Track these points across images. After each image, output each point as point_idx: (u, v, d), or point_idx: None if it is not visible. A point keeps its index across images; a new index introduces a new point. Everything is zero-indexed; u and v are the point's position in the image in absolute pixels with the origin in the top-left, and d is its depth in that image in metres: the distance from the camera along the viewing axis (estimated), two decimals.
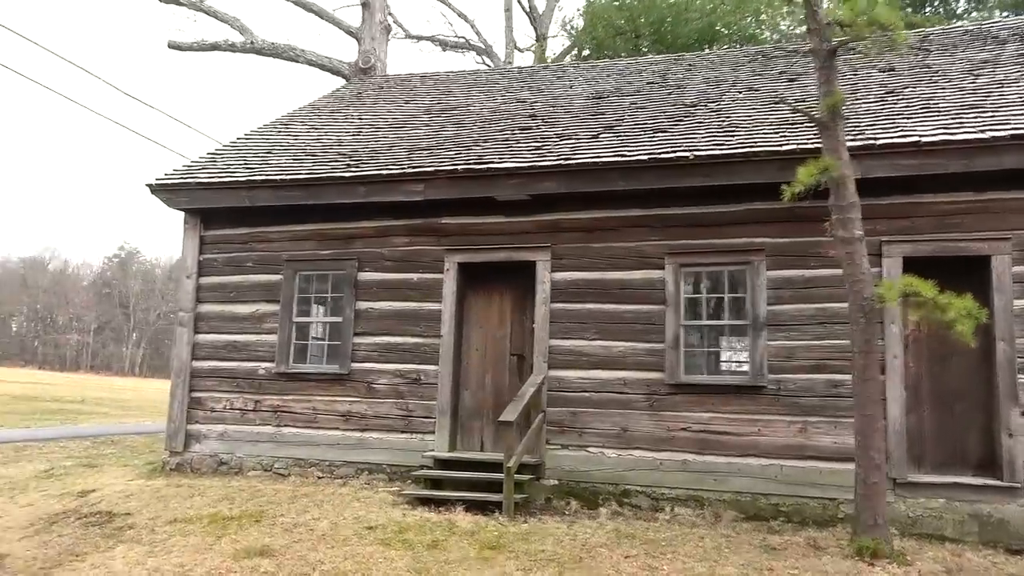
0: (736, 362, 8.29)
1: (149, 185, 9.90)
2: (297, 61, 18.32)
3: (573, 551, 6.38)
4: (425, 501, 7.76)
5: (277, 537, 6.79)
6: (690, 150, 8.02)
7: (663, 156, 8.01)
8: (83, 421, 19.26)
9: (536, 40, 23.66)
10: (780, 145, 7.74)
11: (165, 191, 9.86)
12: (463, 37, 24.62)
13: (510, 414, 7.46)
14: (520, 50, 24.67)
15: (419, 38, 24.07)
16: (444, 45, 24.48)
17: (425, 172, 8.82)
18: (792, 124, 8.19)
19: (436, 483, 8.14)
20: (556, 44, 24.23)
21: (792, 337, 7.69)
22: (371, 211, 9.22)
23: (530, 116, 10.48)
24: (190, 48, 17.96)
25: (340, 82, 17.75)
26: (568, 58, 21.73)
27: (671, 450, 7.88)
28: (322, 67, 18.46)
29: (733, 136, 8.29)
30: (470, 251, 8.93)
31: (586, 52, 20.81)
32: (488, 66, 22.71)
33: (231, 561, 6.24)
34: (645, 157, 8.07)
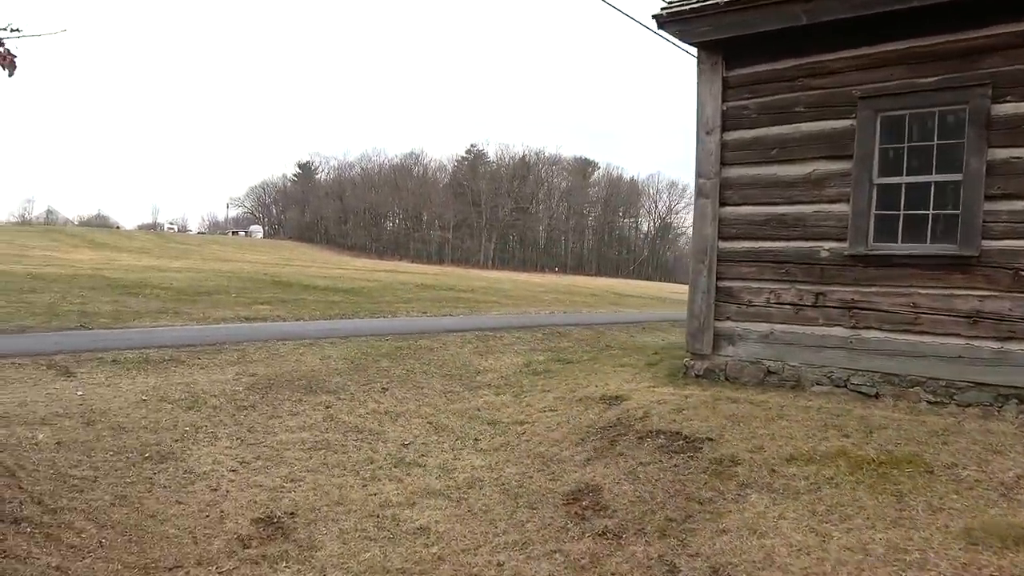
0: None
1: (656, 16, 7.67)
2: None
3: None
4: None
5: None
6: None
7: None
8: (487, 310, 19.05)
9: None
10: None
11: (678, 21, 7.55)
12: None
13: None
14: None
15: None
16: None
17: None
18: None
19: None
20: None
21: None
22: (1014, 7, 5.94)
23: None
24: None
25: None
26: None
27: None
28: None
29: None
30: None
31: None
32: None
33: (989, 555, 3.86)
34: None
